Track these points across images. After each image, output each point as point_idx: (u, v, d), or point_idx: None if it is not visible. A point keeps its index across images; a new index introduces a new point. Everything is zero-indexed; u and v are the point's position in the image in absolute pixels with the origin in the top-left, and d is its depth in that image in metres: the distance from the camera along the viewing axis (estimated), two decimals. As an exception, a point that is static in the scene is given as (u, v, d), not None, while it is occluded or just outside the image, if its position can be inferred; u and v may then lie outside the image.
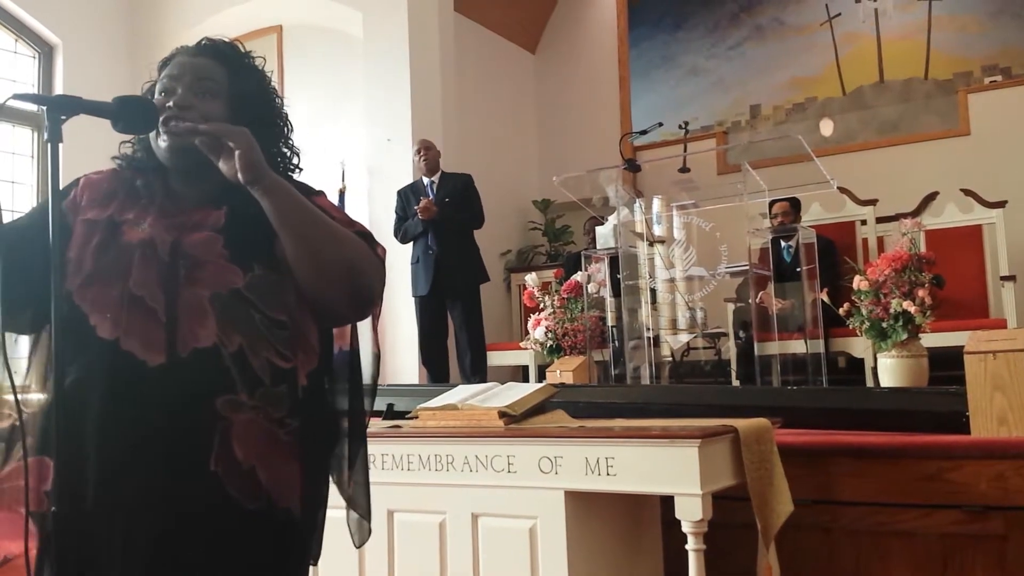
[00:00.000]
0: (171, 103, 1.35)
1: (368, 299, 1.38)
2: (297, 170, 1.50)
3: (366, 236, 1.41)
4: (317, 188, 1.47)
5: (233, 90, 1.41)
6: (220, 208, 1.35)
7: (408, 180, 5.83)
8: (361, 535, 1.49)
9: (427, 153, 5.51)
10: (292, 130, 1.51)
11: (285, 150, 1.49)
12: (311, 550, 1.40)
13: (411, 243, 5.46)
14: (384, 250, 1.44)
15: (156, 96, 1.39)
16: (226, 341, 1.26)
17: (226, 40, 1.48)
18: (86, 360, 1.26)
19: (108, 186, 1.41)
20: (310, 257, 1.30)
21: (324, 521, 1.42)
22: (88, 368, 1.26)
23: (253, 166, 1.28)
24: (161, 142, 1.35)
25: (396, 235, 5.47)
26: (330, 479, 1.45)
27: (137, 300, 1.27)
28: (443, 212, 5.29)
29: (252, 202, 1.31)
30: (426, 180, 5.54)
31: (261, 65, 1.49)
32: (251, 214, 1.32)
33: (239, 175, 1.27)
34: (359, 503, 1.47)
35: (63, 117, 1.20)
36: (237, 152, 1.27)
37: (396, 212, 5.53)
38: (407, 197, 5.53)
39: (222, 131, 1.30)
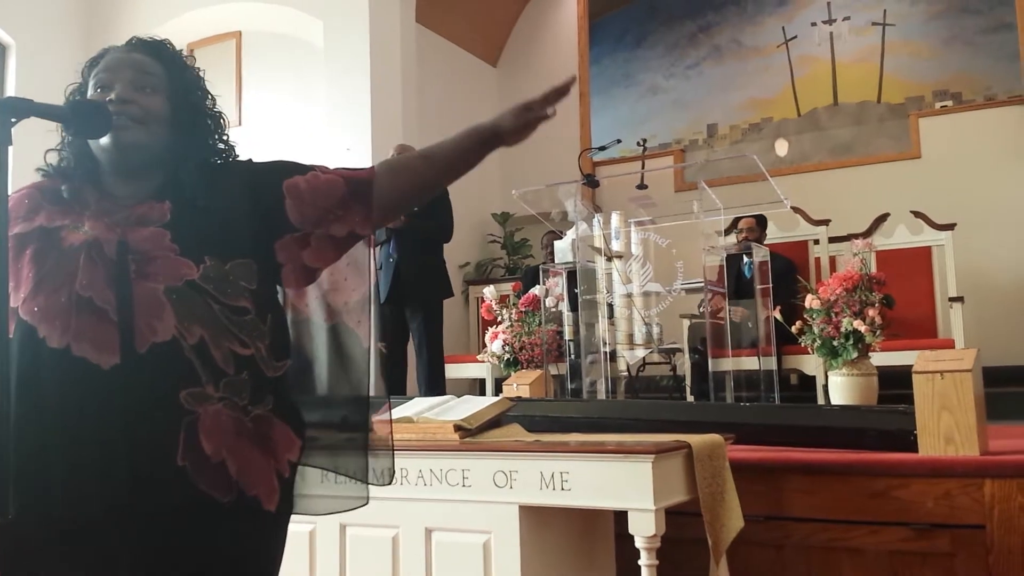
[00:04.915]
0: (111, 97, 1.33)
1: None
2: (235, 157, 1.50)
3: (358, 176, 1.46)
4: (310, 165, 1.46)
5: (173, 85, 1.40)
6: (163, 202, 1.32)
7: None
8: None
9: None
10: (228, 125, 1.50)
11: (228, 140, 1.48)
12: (282, 538, 1.37)
13: (377, 248, 5.38)
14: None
15: (91, 93, 1.37)
16: (185, 333, 1.24)
17: (157, 38, 1.47)
18: (40, 374, 1.23)
19: (30, 201, 1.36)
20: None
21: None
22: (43, 381, 1.23)
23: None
24: (104, 140, 1.33)
25: None
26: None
27: (85, 302, 1.24)
28: (408, 221, 5.22)
29: (199, 195, 1.30)
30: None
31: (192, 63, 1.49)
32: (199, 207, 1.31)
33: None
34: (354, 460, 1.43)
35: (13, 120, 1.17)
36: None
37: None
38: None
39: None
